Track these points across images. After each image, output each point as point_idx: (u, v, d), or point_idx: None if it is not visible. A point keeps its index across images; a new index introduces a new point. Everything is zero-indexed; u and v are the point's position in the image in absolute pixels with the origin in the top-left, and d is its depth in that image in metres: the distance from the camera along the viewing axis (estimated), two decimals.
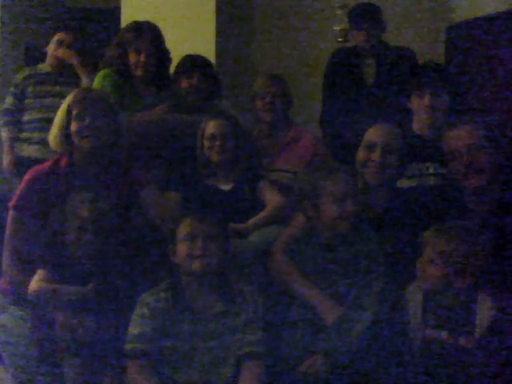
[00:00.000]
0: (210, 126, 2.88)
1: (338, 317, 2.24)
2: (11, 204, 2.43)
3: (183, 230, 2.21)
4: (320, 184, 2.28)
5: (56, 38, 3.87)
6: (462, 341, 2.15)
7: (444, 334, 2.17)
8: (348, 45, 3.99)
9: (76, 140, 2.44)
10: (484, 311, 2.16)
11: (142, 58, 3.09)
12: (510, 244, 2.35)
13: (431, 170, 2.84)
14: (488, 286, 2.21)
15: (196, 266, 2.17)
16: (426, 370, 2.14)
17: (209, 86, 3.29)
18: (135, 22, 3.24)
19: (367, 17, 3.57)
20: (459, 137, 2.45)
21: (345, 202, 2.25)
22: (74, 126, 2.44)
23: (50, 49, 3.88)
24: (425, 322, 2.20)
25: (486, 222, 2.41)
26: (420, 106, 2.92)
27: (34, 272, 2.26)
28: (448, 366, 2.13)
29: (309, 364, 2.20)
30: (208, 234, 2.19)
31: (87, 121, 2.43)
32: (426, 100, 2.89)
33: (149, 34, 3.13)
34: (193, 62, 3.30)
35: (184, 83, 3.25)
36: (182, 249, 2.20)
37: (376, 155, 2.46)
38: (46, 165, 2.50)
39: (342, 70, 3.70)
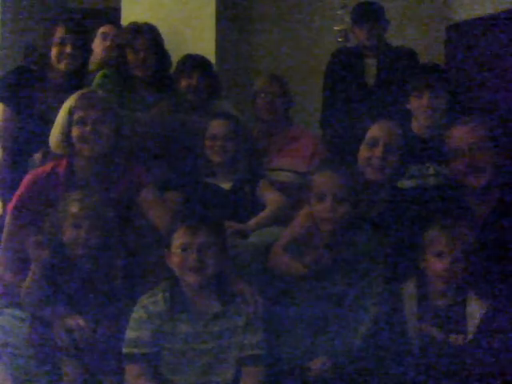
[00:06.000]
0: (212, 126, 2.88)
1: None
2: (9, 207, 2.41)
3: (177, 238, 2.16)
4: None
5: (100, 31, 3.69)
6: (452, 338, 2.16)
7: (436, 331, 2.18)
8: (348, 45, 3.98)
9: (77, 145, 2.39)
10: (474, 310, 2.18)
11: (141, 57, 3.08)
12: (510, 244, 2.35)
13: (431, 171, 2.84)
14: (482, 285, 2.23)
15: (190, 279, 2.15)
16: (424, 367, 2.15)
17: (209, 86, 3.29)
18: (133, 23, 3.24)
19: (369, 15, 3.57)
20: (461, 136, 2.46)
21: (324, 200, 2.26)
22: (75, 131, 2.39)
23: (96, 44, 3.66)
24: (420, 319, 2.21)
25: (486, 221, 2.41)
26: (419, 107, 2.92)
27: None
28: (441, 362, 2.14)
29: (314, 366, 2.20)
30: (203, 245, 2.14)
31: (89, 126, 2.37)
32: (425, 100, 2.89)
33: (147, 34, 3.12)
34: (192, 62, 3.30)
35: (184, 83, 3.25)
36: (176, 258, 2.16)
37: (378, 151, 2.46)
38: (45, 168, 2.46)
39: (343, 70, 3.69)
